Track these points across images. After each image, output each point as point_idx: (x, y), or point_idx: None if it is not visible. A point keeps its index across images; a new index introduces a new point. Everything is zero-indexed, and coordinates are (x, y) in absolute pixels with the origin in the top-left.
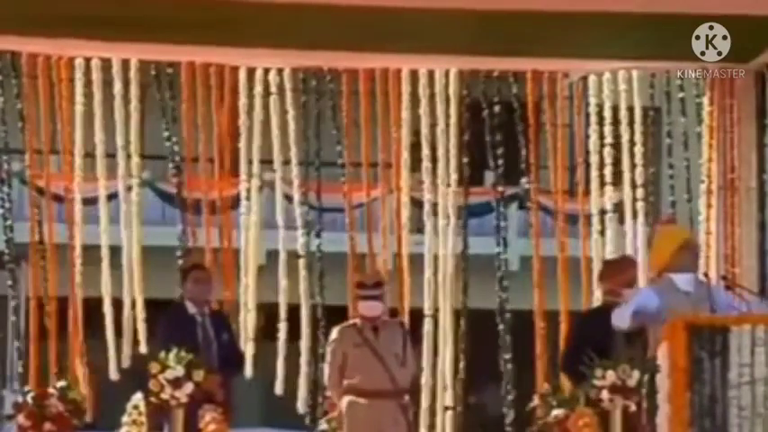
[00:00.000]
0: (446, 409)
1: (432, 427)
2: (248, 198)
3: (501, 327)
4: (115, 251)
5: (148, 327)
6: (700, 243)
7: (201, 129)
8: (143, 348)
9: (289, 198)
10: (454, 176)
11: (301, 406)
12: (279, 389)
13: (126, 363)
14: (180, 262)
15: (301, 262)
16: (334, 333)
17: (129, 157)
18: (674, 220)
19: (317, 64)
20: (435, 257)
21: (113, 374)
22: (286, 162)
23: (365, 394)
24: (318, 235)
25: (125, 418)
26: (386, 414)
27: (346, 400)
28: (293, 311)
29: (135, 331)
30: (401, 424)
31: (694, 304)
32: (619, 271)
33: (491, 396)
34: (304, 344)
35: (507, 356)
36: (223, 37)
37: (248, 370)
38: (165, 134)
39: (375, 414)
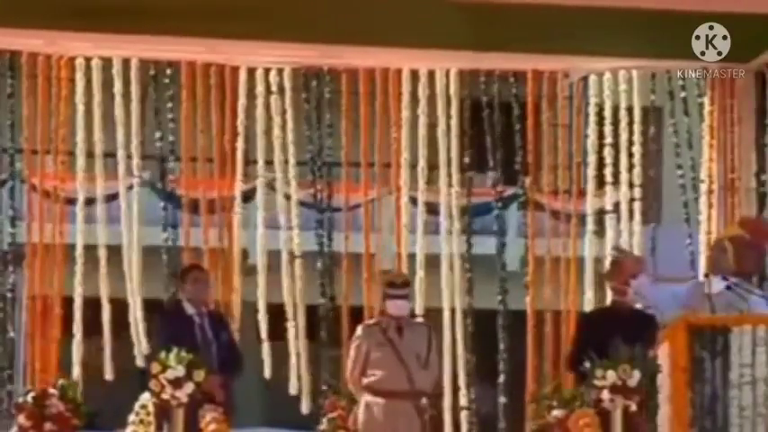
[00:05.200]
0: (461, 409)
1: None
2: (252, 198)
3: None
4: (114, 251)
5: (147, 327)
6: (727, 245)
7: (201, 129)
8: (144, 348)
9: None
10: (455, 177)
11: (305, 407)
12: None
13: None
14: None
15: (298, 262)
16: (359, 331)
17: (128, 157)
18: (740, 221)
19: (317, 57)
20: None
21: (108, 375)
22: (299, 163)
23: (382, 394)
24: (330, 236)
25: (132, 417)
26: (401, 415)
27: (364, 398)
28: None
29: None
30: (416, 426)
31: (711, 308)
32: (622, 269)
33: (486, 396)
34: (295, 344)
35: (504, 356)
36: (223, 29)
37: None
38: (158, 134)
39: (390, 414)
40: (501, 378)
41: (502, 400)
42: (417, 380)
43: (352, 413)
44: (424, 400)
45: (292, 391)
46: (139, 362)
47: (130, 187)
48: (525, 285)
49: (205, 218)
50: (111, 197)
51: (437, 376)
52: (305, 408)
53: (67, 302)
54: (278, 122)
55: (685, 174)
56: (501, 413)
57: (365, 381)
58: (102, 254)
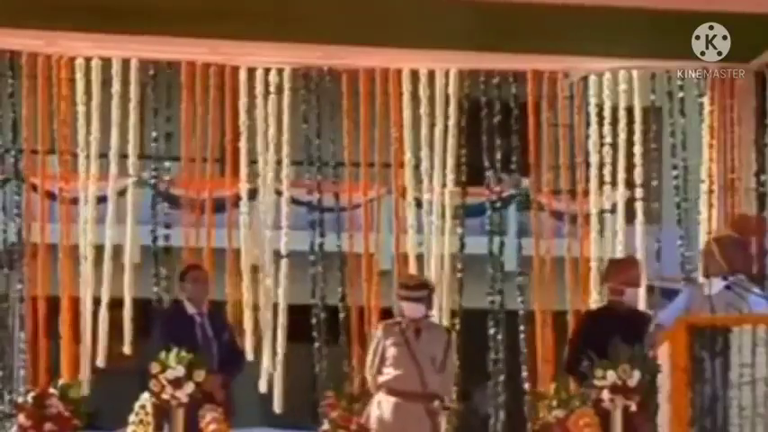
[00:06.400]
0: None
1: None
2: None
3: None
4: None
5: (144, 327)
6: (713, 247)
7: (200, 129)
8: (127, 349)
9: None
10: (452, 176)
11: (278, 406)
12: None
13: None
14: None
15: (284, 262)
16: (379, 329)
17: (124, 156)
18: (731, 220)
19: (317, 58)
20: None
21: (84, 374)
22: (295, 163)
23: (394, 393)
24: (323, 235)
25: (132, 417)
26: (412, 416)
27: (377, 396)
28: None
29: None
30: (427, 428)
31: (711, 309)
32: (621, 270)
33: (484, 396)
34: (281, 344)
35: (497, 357)
36: (223, 29)
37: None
38: (154, 134)
39: (401, 414)
40: (491, 379)
41: (494, 401)
42: (430, 382)
43: (365, 410)
44: (436, 403)
45: (261, 389)
46: (100, 362)
47: (124, 191)
48: (519, 286)
49: (200, 217)
50: (106, 198)
51: (453, 381)
52: (276, 407)
53: (72, 302)
54: (277, 122)
55: (679, 174)
56: (493, 414)
57: (379, 379)
58: (89, 253)
